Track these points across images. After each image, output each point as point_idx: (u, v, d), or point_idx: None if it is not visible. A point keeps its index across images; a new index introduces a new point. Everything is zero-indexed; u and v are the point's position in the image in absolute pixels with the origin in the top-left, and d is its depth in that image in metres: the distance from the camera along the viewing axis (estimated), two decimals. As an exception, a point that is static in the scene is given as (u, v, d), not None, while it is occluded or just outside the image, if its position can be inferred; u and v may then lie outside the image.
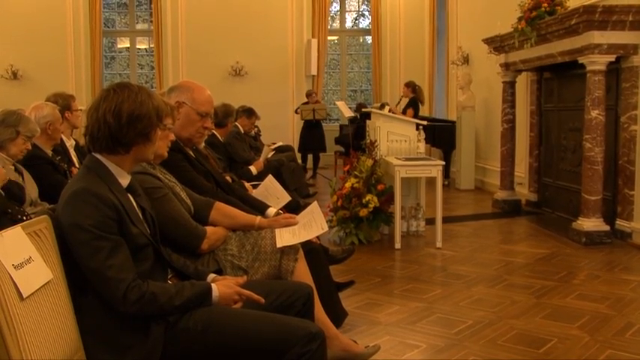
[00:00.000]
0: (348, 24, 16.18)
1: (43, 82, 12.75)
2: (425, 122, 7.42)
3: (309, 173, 11.98)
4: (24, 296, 1.92)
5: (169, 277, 2.51)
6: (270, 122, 10.15)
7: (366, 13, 15.97)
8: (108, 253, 2.15)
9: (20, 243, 2.01)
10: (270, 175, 4.33)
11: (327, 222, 5.98)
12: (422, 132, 6.95)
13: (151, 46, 14.61)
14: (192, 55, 13.60)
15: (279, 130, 12.02)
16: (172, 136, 2.88)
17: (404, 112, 9.99)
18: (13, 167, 4.10)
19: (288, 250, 3.00)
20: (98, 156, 2.31)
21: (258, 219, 3.22)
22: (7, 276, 1.88)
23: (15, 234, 2.01)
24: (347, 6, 15.80)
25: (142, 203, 2.43)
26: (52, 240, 2.18)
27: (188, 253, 2.88)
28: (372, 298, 4.69)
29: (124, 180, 2.35)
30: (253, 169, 6.24)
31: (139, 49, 15.41)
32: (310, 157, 12.35)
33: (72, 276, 2.20)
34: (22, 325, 1.89)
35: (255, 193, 4.04)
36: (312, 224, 3.24)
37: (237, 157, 6.44)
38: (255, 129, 9.07)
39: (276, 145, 8.67)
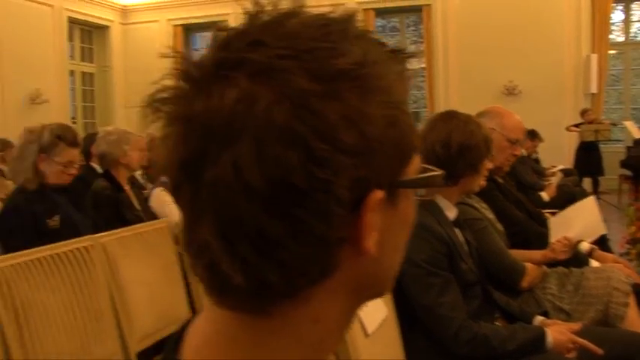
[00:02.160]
0: (632, 35, 14.88)
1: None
2: None
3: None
4: (368, 333, 1.94)
5: (496, 317, 2.40)
6: (545, 143, 9.65)
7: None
8: (439, 289, 2.10)
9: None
10: (592, 197, 3.69)
11: (623, 255, 5.52)
12: None
13: (422, 66, 14.78)
14: (463, 74, 13.45)
15: (556, 151, 11.41)
16: (491, 165, 2.77)
17: None
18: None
19: (617, 294, 2.73)
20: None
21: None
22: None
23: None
24: (631, 15, 14.49)
25: (467, 237, 2.36)
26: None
27: (506, 290, 2.75)
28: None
29: (451, 213, 2.30)
30: (545, 195, 5.90)
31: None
32: (587, 180, 11.56)
33: (402, 313, 2.19)
34: (365, 361, 1.90)
35: (568, 210, 3.59)
36: (588, 223, 2.94)
37: (525, 182, 6.16)
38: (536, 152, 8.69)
39: (558, 169, 8.21)
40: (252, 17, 0.58)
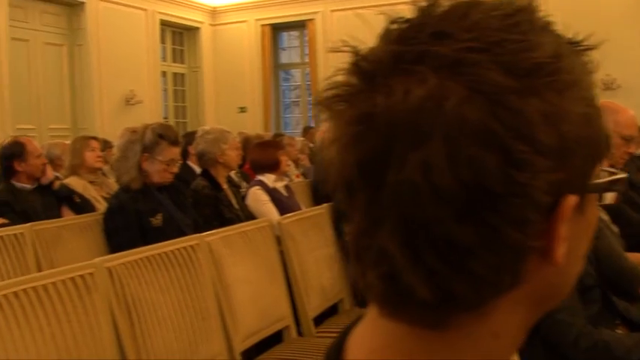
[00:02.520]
0: None
1: None
2: None
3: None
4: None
5: (617, 324, 2.27)
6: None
7: None
8: None
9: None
10: None
11: None
12: None
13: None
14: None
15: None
16: (607, 164, 2.63)
17: None
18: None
19: None
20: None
21: None
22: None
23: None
24: None
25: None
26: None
27: (622, 296, 2.61)
28: None
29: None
30: (653, 194, 5.62)
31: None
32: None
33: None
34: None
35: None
36: None
37: (634, 181, 5.89)
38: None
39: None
40: (428, 8, 0.54)
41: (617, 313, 2.29)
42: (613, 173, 0.61)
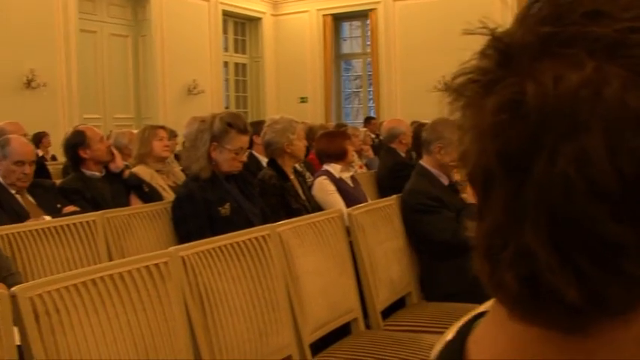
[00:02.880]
0: None
1: None
2: None
3: None
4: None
5: None
6: None
7: None
8: None
9: None
10: None
11: None
12: None
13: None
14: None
15: None
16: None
17: None
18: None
19: None
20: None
21: None
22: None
23: None
24: None
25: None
26: None
27: None
28: None
29: None
30: None
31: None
32: None
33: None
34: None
35: None
36: None
37: None
38: None
39: None
40: None
41: None
42: None
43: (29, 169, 3.70)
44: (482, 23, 0.50)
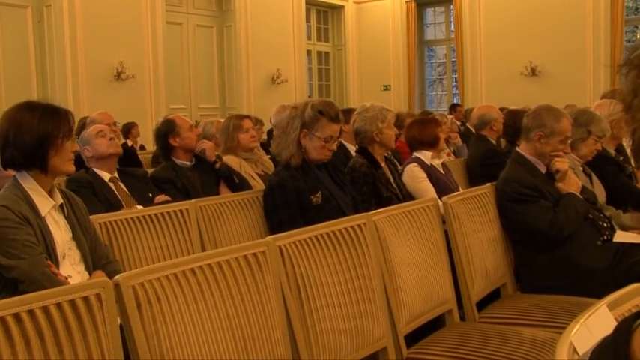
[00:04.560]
0: None
1: (561, 76, 12.67)
2: None
3: None
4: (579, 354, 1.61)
5: None
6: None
7: None
8: None
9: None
10: None
11: None
12: None
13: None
14: None
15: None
16: None
17: None
18: (581, 169, 3.96)
19: None
20: None
21: None
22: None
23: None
24: None
25: None
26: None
27: None
28: None
29: None
30: None
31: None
32: None
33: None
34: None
35: None
36: None
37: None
38: None
39: None
40: None
41: None
42: None
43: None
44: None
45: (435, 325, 2.88)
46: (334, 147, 3.41)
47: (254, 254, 2.05)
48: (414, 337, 2.73)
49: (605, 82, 12.50)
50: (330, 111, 3.30)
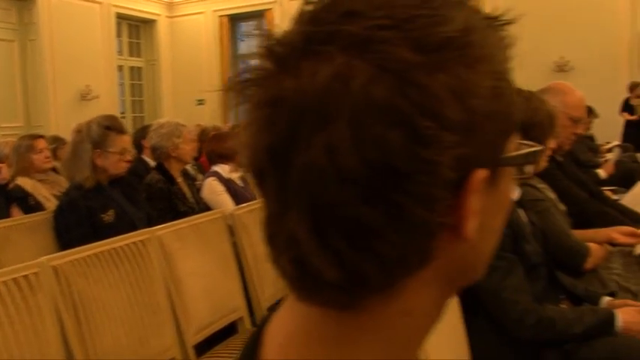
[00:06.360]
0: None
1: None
2: None
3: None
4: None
5: (561, 299, 2.32)
6: (600, 120, 9.33)
7: None
8: (503, 273, 2.04)
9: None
10: None
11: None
12: None
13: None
14: (513, 51, 13.11)
15: (610, 128, 11.01)
16: (554, 144, 2.66)
17: None
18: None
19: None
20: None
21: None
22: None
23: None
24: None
25: (531, 218, 2.28)
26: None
27: (568, 272, 2.66)
28: None
29: (514, 193, 2.22)
30: (602, 172, 5.72)
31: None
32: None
33: (464, 297, 2.12)
34: (428, 346, 1.85)
35: (624, 201, 3.63)
36: None
37: (581, 160, 6.00)
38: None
39: (614, 145, 7.96)
40: None
41: (561, 289, 2.34)
42: (530, 146, 0.60)
43: None
44: (259, 29, 0.55)
45: (231, 333, 2.98)
46: (129, 157, 3.41)
47: (25, 277, 2.02)
48: (210, 346, 2.81)
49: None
50: (115, 124, 3.32)
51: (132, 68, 14.72)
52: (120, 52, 14.18)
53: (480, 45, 0.51)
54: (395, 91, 0.47)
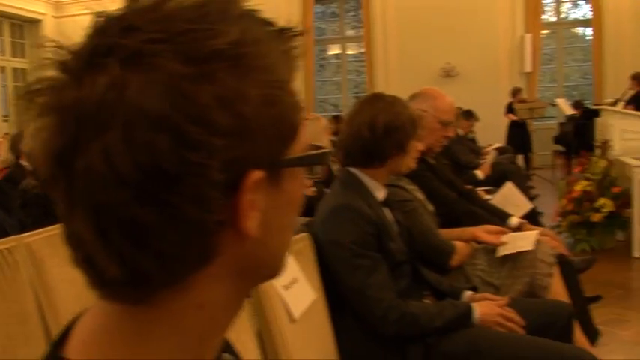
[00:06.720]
0: (563, 15, 15.18)
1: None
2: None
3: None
4: (295, 317, 1.93)
5: (425, 295, 2.43)
6: (482, 123, 9.76)
7: (582, 2, 14.87)
8: (367, 271, 2.12)
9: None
10: (509, 183, 4.16)
11: (555, 227, 5.66)
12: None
13: (361, 51, 14.84)
14: (402, 58, 13.54)
15: (492, 131, 11.53)
16: (421, 146, 2.78)
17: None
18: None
19: (542, 265, 2.79)
20: (353, 170, 2.29)
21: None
22: (278, 298, 1.90)
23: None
24: (563, -5, 14.78)
25: (397, 217, 2.37)
26: (313, 259, 2.18)
27: (435, 269, 2.78)
28: (616, 313, 4.31)
29: (380, 193, 2.32)
30: (480, 173, 6.00)
31: (349, 54, 15.73)
32: (520, 157, 11.71)
33: (330, 295, 2.19)
34: (291, 347, 1.90)
35: (494, 201, 3.85)
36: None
37: (461, 162, 6.26)
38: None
39: (493, 147, 8.34)
40: (132, 1, 0.57)
41: (425, 284, 2.44)
42: (318, 148, 0.65)
43: None
44: (55, 42, 0.57)
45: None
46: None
47: None
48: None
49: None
50: None
51: (15, 69, 14.12)
52: (2, 53, 13.59)
53: (256, 56, 0.56)
54: (164, 101, 0.51)
